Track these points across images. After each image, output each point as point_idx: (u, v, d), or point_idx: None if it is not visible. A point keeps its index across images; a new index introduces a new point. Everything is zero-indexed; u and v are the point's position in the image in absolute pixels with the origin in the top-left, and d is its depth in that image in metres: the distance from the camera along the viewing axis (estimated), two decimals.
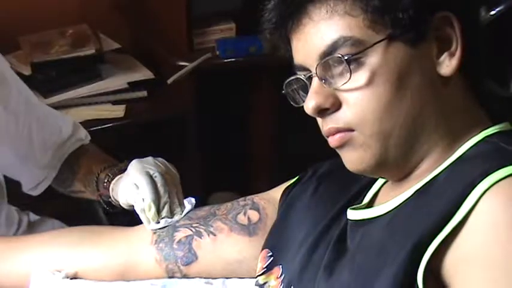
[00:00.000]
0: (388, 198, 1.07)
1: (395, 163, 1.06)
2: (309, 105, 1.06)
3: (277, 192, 1.32)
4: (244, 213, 1.31)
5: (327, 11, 1.04)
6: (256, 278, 1.23)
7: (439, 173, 1.02)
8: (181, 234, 1.31)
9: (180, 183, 1.40)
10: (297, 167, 1.32)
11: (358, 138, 1.05)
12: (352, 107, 1.04)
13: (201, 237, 1.30)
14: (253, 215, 1.31)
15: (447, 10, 1.02)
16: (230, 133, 2.65)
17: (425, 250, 0.95)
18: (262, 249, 1.25)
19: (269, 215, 1.30)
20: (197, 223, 1.32)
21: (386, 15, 1.01)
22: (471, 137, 1.03)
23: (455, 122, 1.05)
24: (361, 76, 1.03)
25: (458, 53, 1.02)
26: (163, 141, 1.81)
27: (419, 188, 1.03)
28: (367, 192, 1.15)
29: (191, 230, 1.31)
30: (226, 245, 1.29)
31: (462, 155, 1.02)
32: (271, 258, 1.23)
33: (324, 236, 1.16)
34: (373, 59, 1.02)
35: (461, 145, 1.03)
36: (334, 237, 1.13)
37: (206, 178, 2.54)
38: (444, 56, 1.03)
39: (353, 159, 1.07)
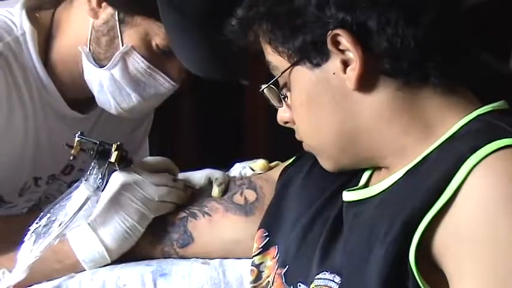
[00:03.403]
0: (381, 179, 1.06)
1: (358, 164, 1.10)
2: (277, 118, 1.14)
3: (276, 172, 1.31)
4: (241, 193, 1.30)
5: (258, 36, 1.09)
6: (252, 258, 1.22)
7: (431, 151, 1.00)
8: (174, 216, 1.29)
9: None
10: (293, 148, 1.29)
11: (310, 148, 1.11)
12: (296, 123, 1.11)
13: (196, 218, 1.29)
14: (250, 195, 1.29)
15: (336, 28, 1.00)
16: (225, 112, 2.63)
17: (416, 228, 0.94)
18: (258, 229, 1.24)
19: (267, 194, 1.29)
20: (190, 204, 1.30)
21: (285, 45, 1.05)
22: (463, 116, 1.01)
23: (417, 111, 1.02)
24: (288, 99, 1.10)
25: (355, 65, 1.00)
26: (156, 120, 1.80)
27: (411, 168, 1.01)
28: (363, 174, 1.13)
29: (185, 212, 1.29)
30: (222, 226, 1.28)
31: (454, 133, 1.00)
32: (267, 238, 1.22)
33: (319, 216, 1.15)
34: (289, 83, 1.08)
35: (454, 124, 1.01)
36: (330, 219, 1.12)
37: (199, 157, 2.52)
38: (349, 70, 1.01)
39: (321, 162, 1.12)
